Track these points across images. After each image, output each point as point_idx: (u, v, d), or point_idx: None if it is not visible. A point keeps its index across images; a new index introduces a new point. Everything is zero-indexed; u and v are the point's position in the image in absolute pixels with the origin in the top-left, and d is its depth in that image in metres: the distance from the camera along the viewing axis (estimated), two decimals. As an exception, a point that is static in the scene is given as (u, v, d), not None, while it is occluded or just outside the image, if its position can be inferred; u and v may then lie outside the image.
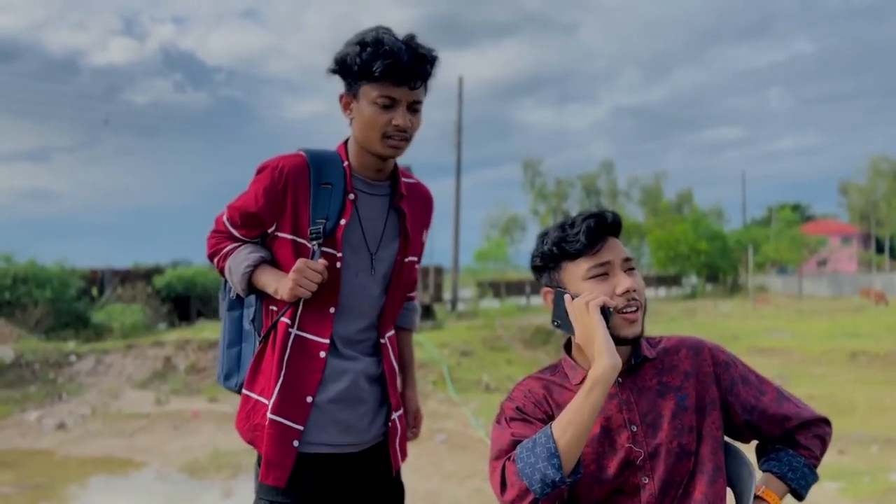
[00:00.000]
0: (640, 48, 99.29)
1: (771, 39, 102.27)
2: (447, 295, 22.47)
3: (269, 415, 1.79)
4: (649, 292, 36.03)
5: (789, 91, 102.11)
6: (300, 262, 1.76)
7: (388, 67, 1.71)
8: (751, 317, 20.91)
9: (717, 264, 37.43)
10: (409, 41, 1.76)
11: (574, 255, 1.55)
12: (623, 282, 1.52)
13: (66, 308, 13.87)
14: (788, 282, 38.46)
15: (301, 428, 1.79)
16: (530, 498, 1.38)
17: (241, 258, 1.86)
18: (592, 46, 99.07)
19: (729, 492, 1.61)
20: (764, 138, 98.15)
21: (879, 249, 56.57)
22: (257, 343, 1.89)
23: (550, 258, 1.59)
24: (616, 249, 1.56)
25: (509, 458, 1.44)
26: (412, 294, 2.16)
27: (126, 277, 16.89)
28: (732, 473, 1.61)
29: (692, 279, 39.45)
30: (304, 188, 1.82)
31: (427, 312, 16.24)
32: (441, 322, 15.89)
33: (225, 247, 1.92)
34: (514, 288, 27.07)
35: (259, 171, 1.86)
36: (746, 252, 35.69)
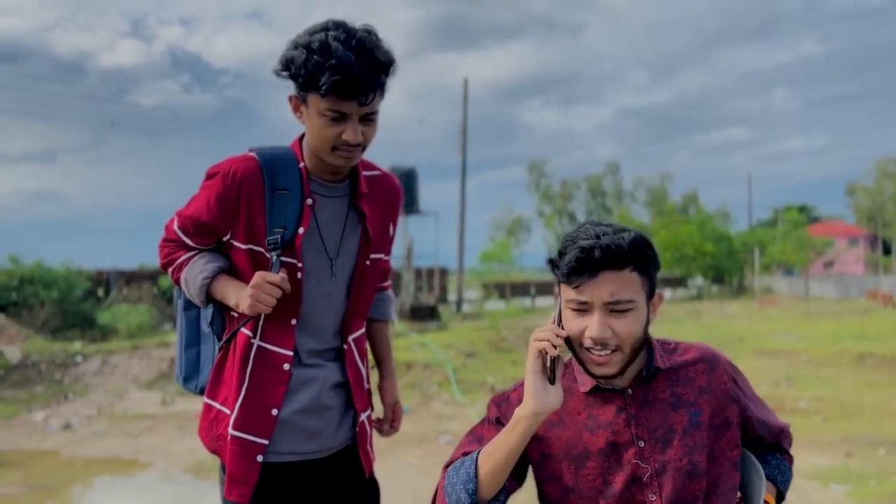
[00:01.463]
0: (646, 50, 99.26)
1: (777, 41, 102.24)
2: (452, 296, 22.47)
3: (230, 431, 1.73)
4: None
5: (795, 92, 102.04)
6: (258, 276, 1.67)
7: (333, 84, 1.56)
8: (757, 318, 20.82)
9: (723, 266, 37.32)
10: (362, 46, 1.58)
11: (562, 280, 1.50)
12: (592, 328, 1.44)
13: (72, 309, 13.92)
14: (795, 283, 38.29)
15: (266, 442, 1.74)
16: None
17: (198, 269, 1.76)
18: (598, 48, 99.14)
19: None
20: (770, 139, 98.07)
21: (886, 251, 56.34)
22: (216, 347, 1.83)
23: (551, 270, 1.55)
24: (600, 290, 1.43)
25: (445, 471, 1.52)
26: (385, 284, 2.07)
27: (132, 278, 16.95)
28: (741, 476, 1.60)
29: (698, 280, 39.33)
30: (259, 195, 1.71)
31: (432, 314, 16.23)
32: (446, 323, 15.87)
33: (179, 256, 1.81)
34: (519, 289, 27.06)
35: (209, 177, 1.75)
36: (752, 253, 35.59)
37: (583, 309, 1.46)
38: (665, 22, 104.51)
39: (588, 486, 1.48)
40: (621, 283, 1.44)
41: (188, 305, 1.88)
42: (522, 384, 1.59)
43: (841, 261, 52.77)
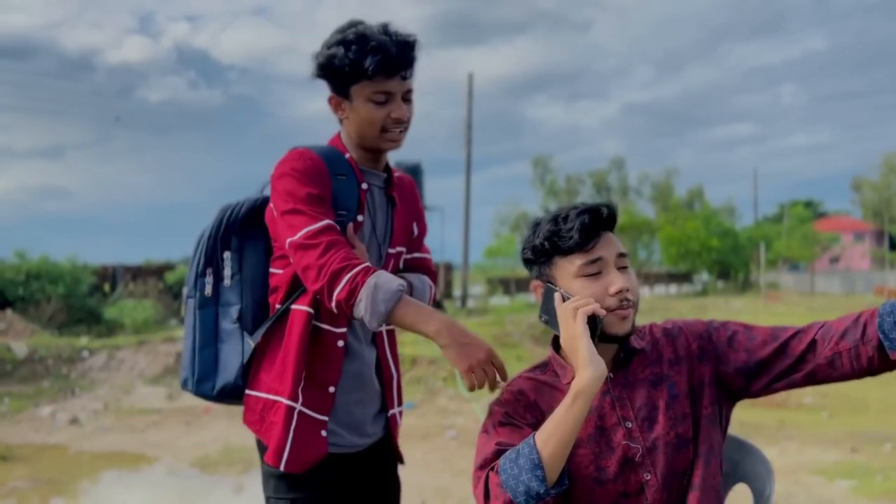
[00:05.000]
0: (652, 45, 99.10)
1: (783, 36, 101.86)
2: (457, 292, 22.47)
3: (299, 406, 1.76)
4: (660, 289, 35.96)
5: (802, 88, 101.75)
6: (490, 352, 1.57)
7: (379, 63, 1.69)
8: (762, 314, 20.77)
9: (729, 261, 37.22)
10: (389, 30, 1.74)
11: (566, 252, 1.50)
12: (616, 281, 1.47)
13: (78, 304, 13.98)
14: (800, 279, 38.21)
15: (326, 419, 1.78)
16: None
17: (388, 276, 1.63)
18: (604, 44, 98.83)
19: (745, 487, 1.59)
20: (776, 135, 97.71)
21: (893, 246, 56.10)
22: (247, 343, 1.81)
23: (542, 252, 1.53)
24: (610, 246, 1.50)
25: (492, 469, 1.40)
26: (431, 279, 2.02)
27: (138, 273, 17.02)
28: (748, 471, 1.59)
29: (703, 276, 39.27)
30: (327, 177, 1.77)
31: (437, 309, 16.24)
32: (451, 319, 15.87)
33: (358, 262, 1.62)
34: (524, 285, 27.03)
35: (282, 174, 1.72)
36: (758, 249, 35.48)
37: (596, 272, 1.48)
38: (671, 18, 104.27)
39: (582, 474, 1.47)
40: (616, 241, 1.53)
41: (204, 303, 1.84)
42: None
43: (847, 256, 52.60)
